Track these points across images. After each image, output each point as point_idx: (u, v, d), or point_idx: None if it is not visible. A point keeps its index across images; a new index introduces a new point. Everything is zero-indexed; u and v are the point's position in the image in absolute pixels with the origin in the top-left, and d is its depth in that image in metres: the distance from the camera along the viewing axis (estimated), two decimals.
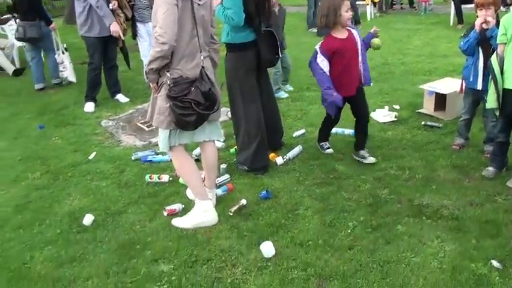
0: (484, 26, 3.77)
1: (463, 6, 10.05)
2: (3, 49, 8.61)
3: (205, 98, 3.11)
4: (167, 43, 2.95)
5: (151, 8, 6.11)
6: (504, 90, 3.58)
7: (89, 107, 6.12)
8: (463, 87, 4.28)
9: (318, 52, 3.90)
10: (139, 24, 6.56)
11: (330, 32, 3.96)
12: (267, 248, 3.02)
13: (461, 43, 4.02)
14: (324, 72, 3.89)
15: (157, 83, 3.16)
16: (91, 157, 4.66)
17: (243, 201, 3.59)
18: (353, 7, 10.59)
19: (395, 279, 2.77)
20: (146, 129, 5.28)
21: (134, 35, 6.66)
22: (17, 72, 8.51)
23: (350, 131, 4.78)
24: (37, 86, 7.31)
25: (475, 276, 2.76)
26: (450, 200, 3.55)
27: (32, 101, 6.78)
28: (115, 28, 5.88)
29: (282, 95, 6.17)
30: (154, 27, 3.04)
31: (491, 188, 3.69)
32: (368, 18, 11.73)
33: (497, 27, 3.66)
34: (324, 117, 4.41)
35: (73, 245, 3.29)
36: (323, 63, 3.88)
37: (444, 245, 3.05)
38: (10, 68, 8.52)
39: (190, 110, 3.07)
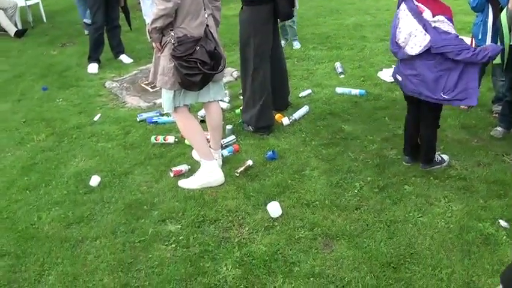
0: None
1: None
2: (5, 10, 8.47)
3: (210, 57, 3.05)
4: (171, 0, 2.88)
5: None
6: (511, 46, 3.49)
7: (93, 68, 6.04)
8: (473, 44, 4.18)
9: (446, 20, 2.97)
10: None
11: None
12: (274, 208, 3.02)
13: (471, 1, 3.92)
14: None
15: (160, 43, 3.10)
16: (95, 119, 4.64)
17: (249, 162, 3.58)
18: None
19: (402, 239, 2.77)
20: (151, 90, 5.22)
21: None
22: (19, 33, 8.39)
23: (356, 91, 4.73)
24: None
25: (482, 235, 2.77)
26: (458, 160, 3.52)
27: (34, 63, 6.70)
28: None
29: (297, 45, 6.21)
30: None
31: (500, 148, 3.66)
32: None
33: None
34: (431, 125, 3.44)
35: (80, 205, 3.30)
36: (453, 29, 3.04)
37: (451, 204, 3.05)
38: (12, 30, 8.40)
39: (195, 69, 3.01)
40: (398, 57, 3.17)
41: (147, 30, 3.20)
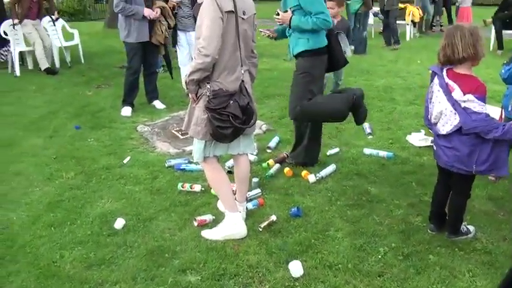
0: None
1: (504, 31, 9.87)
2: (44, 47, 8.84)
3: (242, 112, 3.12)
4: (210, 55, 2.98)
5: (193, 17, 6.25)
6: None
7: (126, 111, 6.21)
8: (502, 115, 4.17)
9: (476, 100, 2.91)
10: (180, 33, 6.64)
11: (467, 71, 3.03)
12: (296, 268, 2.98)
13: (502, 70, 3.93)
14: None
15: (196, 94, 3.18)
16: (125, 161, 4.72)
17: (273, 217, 3.57)
18: (392, 26, 10.61)
19: None
20: (181, 137, 5.32)
21: (174, 43, 6.73)
22: (49, 71, 8.72)
23: (384, 153, 4.72)
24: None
25: None
26: (484, 233, 3.45)
27: (69, 102, 6.92)
28: (147, 12, 5.93)
29: None
30: (198, 39, 3.06)
31: None
32: (407, 38, 11.63)
33: None
34: None
35: (102, 247, 3.32)
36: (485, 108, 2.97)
37: (476, 279, 2.96)
38: (44, 64, 8.74)
39: (227, 122, 3.07)
40: (432, 132, 3.19)
41: (184, 81, 3.30)
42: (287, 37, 4.31)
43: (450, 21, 12.84)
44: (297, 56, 4.15)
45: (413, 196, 3.97)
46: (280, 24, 4.20)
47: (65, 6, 18.51)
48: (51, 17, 9.14)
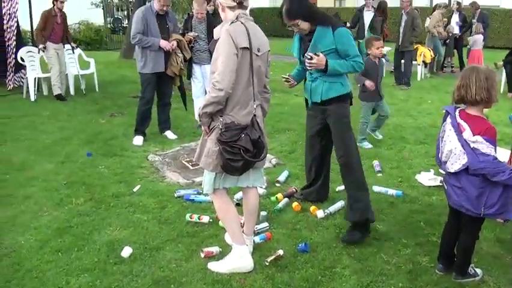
0: None
1: None
2: (61, 72, 9.04)
3: (253, 145, 3.16)
4: (224, 90, 3.04)
5: (209, 51, 6.37)
6: None
7: (138, 140, 6.28)
8: (511, 159, 4.18)
9: (484, 142, 2.93)
10: (195, 66, 6.76)
11: (479, 113, 3.05)
12: None
13: (511, 115, 3.96)
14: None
15: (209, 126, 3.24)
16: (134, 189, 4.76)
17: (280, 252, 3.56)
18: (406, 67, 10.73)
19: None
20: (191, 167, 5.36)
21: (189, 75, 6.85)
22: (59, 97, 8.89)
23: (393, 192, 4.72)
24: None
25: None
26: (491, 276, 3.41)
27: (82, 129, 7.02)
28: (164, 44, 6.05)
29: (367, 145, 6.25)
30: (213, 73, 3.14)
31: None
32: (418, 79, 11.71)
33: None
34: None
35: (108, 275, 3.32)
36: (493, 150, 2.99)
37: None
38: (57, 90, 8.92)
39: (238, 156, 3.11)
40: (442, 170, 3.20)
41: (197, 113, 3.35)
42: (301, 81, 4.22)
43: (461, 63, 12.93)
44: (327, 102, 3.93)
45: (421, 236, 3.94)
46: (309, 68, 3.86)
47: (83, 36, 18.90)
48: (71, 45, 9.36)
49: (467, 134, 2.96)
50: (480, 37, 12.12)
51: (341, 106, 3.95)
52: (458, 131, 3.00)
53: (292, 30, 3.90)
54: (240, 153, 3.11)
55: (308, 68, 3.84)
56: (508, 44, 13.91)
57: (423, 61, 11.80)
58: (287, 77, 4.11)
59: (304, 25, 3.77)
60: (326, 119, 4.03)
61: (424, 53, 11.73)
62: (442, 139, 3.16)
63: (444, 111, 3.20)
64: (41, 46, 8.78)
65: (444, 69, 13.33)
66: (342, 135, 3.97)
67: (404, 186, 4.98)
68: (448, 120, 3.12)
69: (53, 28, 8.83)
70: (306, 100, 4.20)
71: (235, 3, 3.17)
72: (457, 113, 3.06)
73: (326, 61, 3.73)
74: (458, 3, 13.72)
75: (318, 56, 3.70)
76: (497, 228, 4.07)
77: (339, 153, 3.99)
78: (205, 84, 6.68)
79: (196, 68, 6.79)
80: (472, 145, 2.94)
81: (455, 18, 13.13)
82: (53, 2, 8.83)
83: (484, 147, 2.91)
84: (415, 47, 11.22)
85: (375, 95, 6.10)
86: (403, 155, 5.97)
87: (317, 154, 4.38)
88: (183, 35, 6.57)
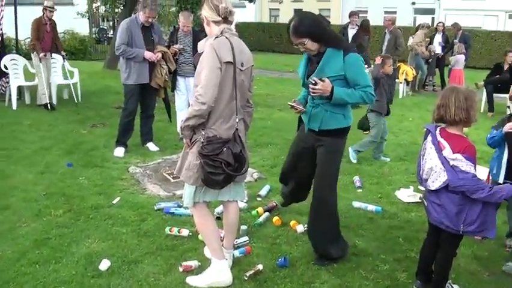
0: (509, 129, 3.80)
1: (495, 94, 10.14)
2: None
3: (235, 159, 3.17)
4: (206, 103, 3.06)
5: (193, 64, 6.38)
6: None
7: (119, 151, 6.25)
8: (489, 177, 4.26)
9: (464, 160, 3.01)
10: (179, 78, 6.79)
11: (459, 131, 3.13)
12: None
13: (488, 136, 4.05)
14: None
15: (191, 139, 3.24)
16: (114, 201, 4.72)
17: (260, 267, 3.56)
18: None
19: None
20: (172, 180, 5.35)
21: (173, 88, 6.86)
22: (47, 106, 8.82)
23: (373, 208, 4.76)
24: None
25: None
26: None
27: (63, 139, 6.96)
28: (148, 55, 6.05)
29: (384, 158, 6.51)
30: (196, 86, 3.15)
31: (511, 284, 3.59)
32: (400, 96, 11.87)
33: None
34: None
35: None
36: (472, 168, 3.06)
37: None
38: (44, 99, 8.85)
39: (219, 169, 3.12)
40: (423, 187, 3.26)
41: (180, 126, 3.36)
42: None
43: (443, 82, 13.15)
44: (324, 133, 3.63)
45: (400, 252, 3.98)
46: (312, 95, 3.53)
47: (67, 45, 18.80)
48: (62, 54, 9.29)
49: (447, 151, 3.02)
50: (462, 57, 12.36)
51: (337, 140, 3.69)
52: (439, 149, 3.06)
53: (298, 48, 3.62)
54: (221, 167, 3.11)
55: (311, 94, 3.50)
56: (489, 65, 14.19)
57: (405, 79, 11.98)
58: (293, 104, 3.68)
59: (312, 45, 3.48)
60: (317, 149, 3.73)
61: (406, 71, 11.91)
62: (423, 157, 3.21)
63: (425, 129, 3.26)
64: (41, 54, 8.67)
65: (426, 87, 13.53)
66: (327, 171, 3.70)
67: (383, 202, 5.03)
68: (429, 138, 3.17)
69: (43, 37, 8.77)
70: (300, 120, 3.94)
71: (220, 18, 3.20)
72: (437, 131, 3.12)
73: (332, 88, 3.41)
74: (441, 24, 14.01)
75: (323, 81, 3.40)
76: (474, 245, 4.13)
77: (317, 189, 3.74)
78: (189, 97, 6.68)
79: (180, 81, 6.81)
80: (451, 163, 3.00)
81: (438, 38, 13.38)
82: (42, 11, 8.78)
83: (464, 165, 2.97)
84: (398, 65, 11.39)
85: (385, 108, 6.39)
86: (383, 171, 6.04)
87: (296, 177, 4.05)
88: (168, 47, 6.59)
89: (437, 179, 3.08)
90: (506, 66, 10.38)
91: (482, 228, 3.08)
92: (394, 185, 5.53)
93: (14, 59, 9.36)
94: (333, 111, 3.56)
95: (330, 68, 3.47)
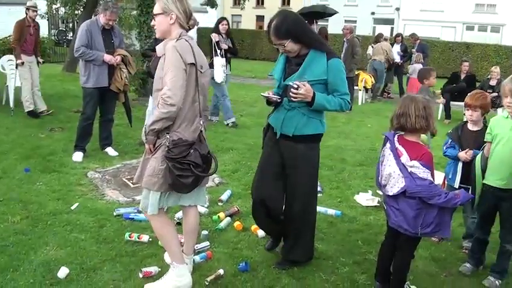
0: (464, 159, 3.99)
1: (452, 102, 10.48)
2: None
3: (203, 160, 3.16)
4: (176, 105, 3.02)
5: (151, 68, 6.25)
6: (483, 185, 3.69)
7: (78, 156, 6.13)
8: (445, 182, 4.41)
9: (421, 166, 3.11)
10: None
11: (416, 139, 3.22)
12: None
13: (444, 147, 4.20)
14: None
15: (154, 144, 3.22)
16: (73, 207, 4.63)
17: (221, 271, 3.56)
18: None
19: None
20: (132, 185, 5.29)
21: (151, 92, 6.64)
22: (31, 114, 8.53)
23: (333, 212, 4.84)
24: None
25: None
26: None
27: (21, 143, 6.78)
28: (108, 58, 5.96)
29: None
30: (158, 90, 3.13)
31: (467, 285, 3.72)
32: (359, 103, 12.13)
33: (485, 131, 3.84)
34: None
35: None
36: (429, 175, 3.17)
37: None
38: (28, 106, 8.56)
39: (188, 171, 3.08)
40: (382, 192, 3.34)
41: (143, 131, 3.31)
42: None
43: (401, 89, 13.50)
44: (299, 139, 3.47)
45: (359, 254, 4.06)
46: (293, 100, 3.31)
47: None
48: (38, 60, 8.94)
49: (405, 158, 3.11)
50: (419, 66, 12.70)
51: (313, 147, 3.57)
52: (396, 156, 3.14)
53: (277, 49, 3.51)
54: (189, 169, 3.08)
55: (292, 98, 3.29)
56: (447, 74, 14.66)
57: (364, 87, 12.26)
58: (266, 94, 3.50)
59: (293, 46, 3.34)
60: (289, 159, 3.57)
61: (365, 79, 12.19)
62: (382, 163, 3.30)
63: (384, 136, 3.35)
64: (19, 61, 8.34)
65: (384, 94, 13.86)
66: (306, 182, 3.58)
67: (343, 206, 5.12)
68: (387, 145, 3.26)
69: (25, 39, 8.43)
70: (267, 128, 3.72)
71: (187, 23, 3.21)
72: (395, 138, 3.21)
73: (314, 93, 3.28)
74: (400, 35, 14.41)
75: (305, 86, 3.26)
76: (432, 247, 4.26)
77: (296, 204, 3.62)
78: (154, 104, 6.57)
79: None
80: (409, 169, 3.09)
81: (397, 48, 13.73)
82: (25, 11, 8.48)
83: (421, 171, 3.07)
84: (357, 73, 11.63)
85: None
86: (343, 176, 6.15)
87: (271, 193, 3.73)
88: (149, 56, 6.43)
89: (395, 185, 3.16)
90: (462, 76, 10.78)
91: (438, 229, 3.18)
92: (353, 189, 5.64)
93: (11, 60, 9.09)
94: (311, 115, 3.43)
95: (312, 71, 3.34)
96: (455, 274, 3.86)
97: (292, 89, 3.26)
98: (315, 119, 3.46)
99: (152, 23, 3.27)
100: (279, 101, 3.47)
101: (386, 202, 3.38)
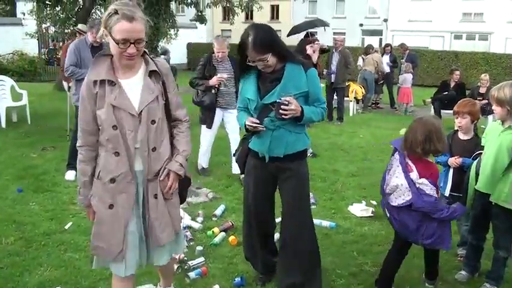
0: (453, 165, 4.03)
1: (442, 111, 10.56)
2: None
3: None
4: None
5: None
6: (475, 191, 3.73)
7: (70, 175, 6.11)
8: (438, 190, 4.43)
9: (429, 184, 3.21)
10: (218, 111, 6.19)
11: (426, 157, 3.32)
12: None
13: (435, 157, 4.25)
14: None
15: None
16: (66, 227, 4.61)
17: (216, 287, 3.56)
18: (339, 105, 11.10)
19: None
20: None
21: (209, 123, 6.25)
22: None
23: (327, 223, 4.85)
24: None
25: None
26: None
27: (12, 163, 6.76)
28: None
29: None
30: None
31: None
32: (351, 114, 12.19)
33: (478, 139, 3.92)
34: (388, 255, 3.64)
35: None
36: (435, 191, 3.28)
37: None
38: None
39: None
40: (385, 200, 3.42)
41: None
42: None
43: (391, 99, 13.60)
44: (289, 157, 3.27)
45: (354, 265, 4.06)
46: (284, 117, 3.09)
47: (16, 66, 18.32)
48: None
49: (414, 175, 3.20)
50: (409, 76, 12.85)
51: (303, 163, 3.38)
52: (406, 170, 3.22)
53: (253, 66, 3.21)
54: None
55: (283, 116, 3.07)
56: (436, 83, 14.79)
57: (355, 97, 12.33)
58: (253, 124, 3.17)
59: (273, 60, 3.14)
60: (282, 180, 3.39)
61: (356, 90, 12.27)
62: (389, 171, 3.35)
63: (392, 147, 3.42)
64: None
65: (378, 105, 13.94)
66: (300, 203, 3.42)
67: (337, 217, 5.13)
68: (396, 156, 3.32)
69: None
70: (245, 156, 3.52)
71: None
72: (405, 152, 3.28)
73: (301, 107, 3.13)
74: (389, 45, 14.54)
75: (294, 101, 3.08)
76: None
77: (290, 228, 3.43)
78: (228, 129, 6.32)
79: (218, 114, 6.20)
80: (417, 185, 3.18)
81: (386, 58, 13.84)
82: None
83: (428, 188, 3.18)
84: (347, 84, 11.70)
85: None
86: (336, 187, 6.16)
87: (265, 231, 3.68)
88: (206, 77, 5.95)
89: (400, 197, 3.24)
90: (452, 84, 10.88)
91: (438, 241, 3.29)
92: (347, 200, 5.65)
93: (1, 80, 9.12)
94: (298, 131, 3.27)
95: (295, 84, 3.16)
96: (451, 282, 3.87)
97: (282, 106, 3.05)
98: (301, 134, 3.32)
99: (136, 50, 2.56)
100: (264, 129, 3.18)
101: (388, 210, 3.43)
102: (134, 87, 2.63)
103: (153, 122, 2.64)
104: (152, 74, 2.67)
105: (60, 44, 23.81)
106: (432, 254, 3.66)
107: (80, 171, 2.75)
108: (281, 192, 3.45)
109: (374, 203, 5.57)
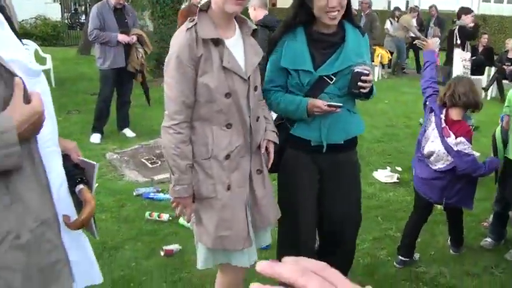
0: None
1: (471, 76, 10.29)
2: None
3: None
4: None
5: None
6: (505, 160, 3.65)
7: (96, 138, 6.17)
8: None
9: (467, 142, 3.19)
10: None
11: (460, 116, 3.27)
12: None
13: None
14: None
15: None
16: None
17: None
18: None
19: None
20: (150, 165, 5.31)
21: None
22: None
23: None
24: None
25: None
26: (447, 268, 3.54)
27: None
28: (121, 37, 5.91)
29: None
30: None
31: (489, 259, 3.69)
32: (376, 79, 11.95)
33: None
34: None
35: None
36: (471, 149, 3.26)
37: None
38: None
39: None
40: (421, 162, 3.40)
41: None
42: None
43: (418, 64, 13.28)
44: (348, 143, 2.63)
45: (379, 230, 4.05)
46: (364, 91, 2.47)
47: (39, 31, 18.37)
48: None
49: (452, 139, 3.17)
50: (437, 40, 12.48)
51: (355, 151, 2.79)
52: (442, 135, 3.19)
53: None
54: None
55: (362, 90, 2.45)
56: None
57: (380, 62, 12.08)
58: (330, 103, 2.41)
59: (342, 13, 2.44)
60: (332, 181, 2.69)
61: (382, 54, 12.00)
62: (423, 134, 3.35)
63: (429, 106, 3.38)
64: None
65: (401, 69, 13.65)
66: (354, 196, 2.84)
67: (362, 183, 5.02)
68: (432, 119, 3.29)
69: None
70: (302, 144, 2.59)
71: None
72: (442, 116, 3.24)
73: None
74: (416, 8, 14.11)
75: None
76: None
77: (351, 218, 2.82)
78: None
79: None
80: (455, 148, 3.15)
81: (413, 22, 13.44)
82: None
83: (466, 147, 3.16)
84: (373, 48, 11.45)
85: None
86: (361, 153, 6.08)
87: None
88: None
89: (439, 161, 3.23)
90: (480, 48, 10.55)
91: (462, 201, 3.33)
92: (372, 166, 5.59)
93: (25, 44, 9.11)
94: (353, 110, 2.66)
95: (356, 52, 2.52)
96: (476, 249, 3.84)
97: (363, 77, 2.40)
98: (357, 114, 2.70)
99: None
100: (340, 110, 2.46)
101: (415, 173, 3.48)
102: (236, 48, 2.26)
103: (256, 88, 2.33)
104: (254, 33, 2.37)
105: (82, 8, 23.87)
106: (456, 220, 3.63)
107: (181, 155, 2.20)
108: (329, 196, 2.73)
109: (399, 169, 5.51)
